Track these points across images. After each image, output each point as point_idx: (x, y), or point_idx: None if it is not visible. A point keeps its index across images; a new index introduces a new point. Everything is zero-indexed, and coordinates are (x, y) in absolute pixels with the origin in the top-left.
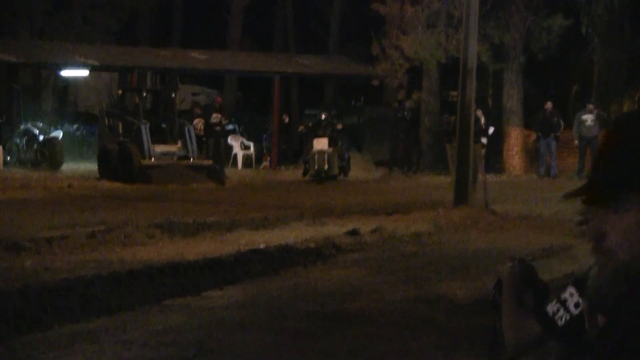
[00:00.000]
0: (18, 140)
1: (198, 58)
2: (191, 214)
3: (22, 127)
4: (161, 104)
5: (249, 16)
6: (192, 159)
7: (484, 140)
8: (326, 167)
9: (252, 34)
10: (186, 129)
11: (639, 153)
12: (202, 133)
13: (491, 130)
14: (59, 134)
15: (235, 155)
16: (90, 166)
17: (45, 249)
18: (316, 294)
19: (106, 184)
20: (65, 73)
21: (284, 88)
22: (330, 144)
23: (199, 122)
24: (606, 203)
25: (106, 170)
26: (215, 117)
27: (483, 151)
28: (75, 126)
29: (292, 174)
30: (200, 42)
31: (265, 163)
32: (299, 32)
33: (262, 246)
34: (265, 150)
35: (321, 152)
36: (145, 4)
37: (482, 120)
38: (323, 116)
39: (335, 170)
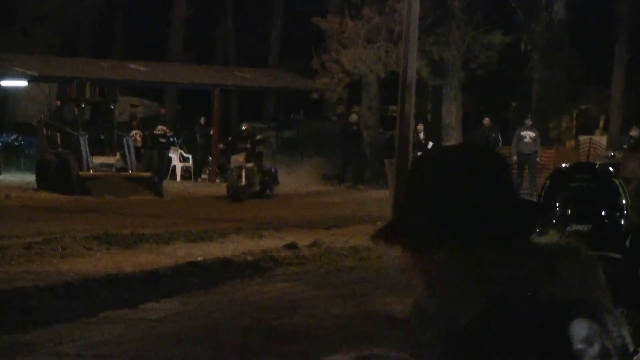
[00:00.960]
0: None
1: (138, 70)
2: (129, 226)
3: None
4: (100, 115)
5: (190, 30)
6: (130, 171)
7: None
8: (242, 183)
9: (193, 47)
10: (125, 141)
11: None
12: (140, 145)
13: (430, 145)
14: None
15: (174, 168)
16: (28, 177)
17: None
18: (254, 308)
19: (44, 195)
20: (4, 83)
21: (224, 101)
22: (249, 159)
23: (137, 134)
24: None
25: (44, 181)
26: (159, 129)
27: None
28: (13, 137)
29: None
30: (141, 55)
31: (204, 176)
32: (239, 46)
33: (200, 259)
34: (205, 163)
35: (238, 169)
36: (86, 17)
37: (422, 135)
38: (243, 127)
39: (256, 187)
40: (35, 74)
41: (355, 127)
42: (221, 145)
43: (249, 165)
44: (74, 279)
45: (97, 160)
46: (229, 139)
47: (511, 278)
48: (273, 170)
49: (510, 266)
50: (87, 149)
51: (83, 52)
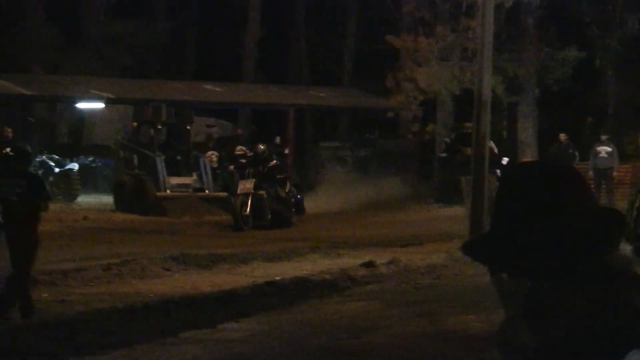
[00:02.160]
0: (33, 172)
1: (213, 90)
2: (206, 246)
3: (37, 159)
4: (176, 136)
5: (263, 50)
6: (207, 191)
7: (498, 171)
8: (246, 212)
9: (266, 68)
10: (201, 161)
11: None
12: (216, 165)
13: (505, 161)
14: (74, 166)
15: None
16: (105, 199)
17: (61, 282)
18: (331, 328)
19: (121, 217)
20: (81, 106)
21: (299, 121)
22: (261, 186)
23: (213, 155)
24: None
25: (121, 202)
26: (239, 150)
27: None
28: (90, 159)
29: (306, 205)
30: (213, 76)
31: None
32: (312, 66)
33: (277, 278)
34: None
35: (244, 196)
36: (158, 38)
37: (496, 150)
38: (260, 148)
39: (266, 217)
40: (111, 96)
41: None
42: (231, 167)
43: (260, 192)
44: (152, 299)
45: (174, 180)
46: (242, 159)
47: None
48: (298, 197)
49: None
50: (164, 170)
51: (155, 74)
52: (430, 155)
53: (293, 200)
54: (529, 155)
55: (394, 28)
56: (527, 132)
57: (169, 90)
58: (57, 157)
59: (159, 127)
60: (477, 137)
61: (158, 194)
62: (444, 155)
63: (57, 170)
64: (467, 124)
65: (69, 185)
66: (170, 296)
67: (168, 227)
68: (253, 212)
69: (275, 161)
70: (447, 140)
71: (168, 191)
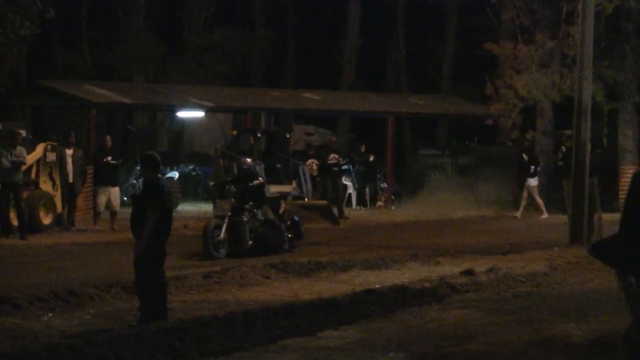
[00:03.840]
0: (134, 181)
1: (312, 98)
2: (306, 254)
3: (138, 168)
4: (275, 144)
5: (362, 58)
6: (306, 199)
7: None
8: (220, 237)
9: (365, 75)
10: (300, 169)
11: None
12: (316, 173)
13: (532, 169)
14: (174, 174)
15: (350, 195)
16: (205, 207)
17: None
18: (431, 336)
19: None
20: (181, 114)
21: (397, 128)
22: (242, 207)
23: (313, 163)
24: None
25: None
26: (332, 158)
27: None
28: (190, 167)
29: (405, 213)
30: (312, 84)
31: (380, 203)
32: (411, 73)
33: (377, 286)
34: (379, 190)
35: (219, 218)
36: (258, 47)
37: (526, 158)
38: (246, 163)
39: (244, 243)
40: (211, 104)
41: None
42: (211, 184)
43: (240, 215)
44: (252, 307)
45: (273, 189)
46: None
47: None
48: (295, 219)
49: None
50: (264, 178)
51: (255, 82)
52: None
53: (289, 223)
54: (629, 162)
55: (493, 35)
56: (627, 139)
57: (268, 99)
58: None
59: (259, 135)
60: (578, 144)
61: None
62: (561, 163)
63: None
64: (567, 131)
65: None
66: (270, 304)
67: None
68: (230, 237)
69: (260, 179)
70: (564, 148)
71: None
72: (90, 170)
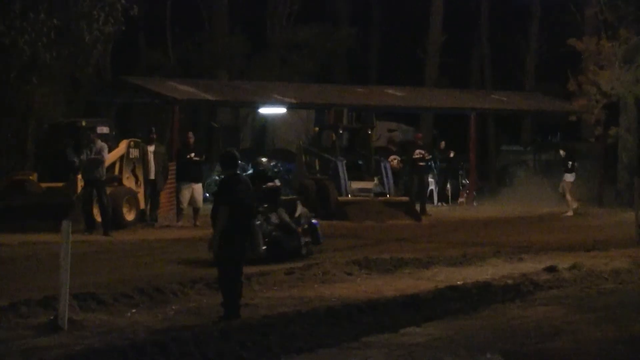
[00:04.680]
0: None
1: (394, 95)
2: (388, 251)
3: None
4: (358, 141)
5: (445, 54)
6: (388, 196)
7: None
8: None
9: (448, 72)
10: (382, 166)
11: None
12: (398, 169)
13: (569, 164)
14: None
15: (432, 192)
16: None
17: (245, 286)
18: (515, 333)
19: None
20: (264, 111)
21: (480, 125)
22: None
23: (395, 159)
24: None
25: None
26: (418, 153)
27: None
28: (272, 163)
29: (488, 210)
30: (396, 81)
31: (462, 199)
32: (494, 69)
33: (459, 283)
34: (461, 187)
35: None
36: (341, 44)
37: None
38: (261, 163)
39: (258, 250)
40: (294, 101)
41: None
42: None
43: (253, 221)
44: (336, 304)
45: (356, 185)
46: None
47: None
48: (314, 223)
49: None
50: (346, 174)
51: (339, 79)
52: (613, 159)
53: (306, 226)
54: None
55: (576, 31)
56: None
57: (351, 95)
58: (240, 162)
59: (341, 131)
60: None
61: (340, 198)
62: None
63: None
64: None
65: None
66: (353, 300)
67: (350, 232)
68: None
69: (277, 181)
70: None
71: (350, 196)
72: (172, 166)
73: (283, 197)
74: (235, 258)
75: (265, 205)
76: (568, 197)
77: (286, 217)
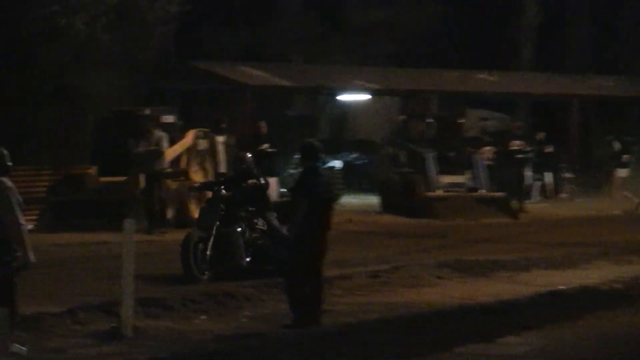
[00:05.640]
0: (293, 171)
1: (486, 80)
2: (482, 252)
3: (296, 157)
4: (447, 131)
5: (542, 36)
6: (482, 191)
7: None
8: (208, 253)
9: (545, 54)
10: (475, 158)
11: None
12: (492, 162)
13: (624, 158)
14: (337, 163)
15: (530, 187)
16: (371, 199)
17: (326, 290)
18: (625, 342)
19: (388, 219)
20: (343, 98)
21: (583, 113)
22: (234, 215)
23: (488, 150)
24: None
25: (388, 203)
26: (516, 145)
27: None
28: (354, 155)
29: (591, 207)
30: (487, 64)
31: (562, 195)
32: (596, 52)
33: (562, 288)
34: (562, 181)
35: (204, 230)
36: (427, 24)
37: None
38: (245, 159)
39: (239, 261)
40: (377, 86)
41: None
42: (194, 184)
43: (233, 227)
44: (425, 310)
45: (445, 179)
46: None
47: None
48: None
49: None
50: (434, 168)
51: (425, 63)
52: None
53: None
54: None
55: None
56: None
57: (439, 81)
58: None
59: (429, 120)
60: None
61: (428, 194)
62: None
63: None
64: None
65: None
66: (444, 307)
67: (440, 231)
68: (218, 254)
69: (261, 181)
70: None
71: (439, 191)
72: None
73: (279, 200)
74: (318, 257)
75: (251, 209)
76: (613, 191)
77: (275, 223)
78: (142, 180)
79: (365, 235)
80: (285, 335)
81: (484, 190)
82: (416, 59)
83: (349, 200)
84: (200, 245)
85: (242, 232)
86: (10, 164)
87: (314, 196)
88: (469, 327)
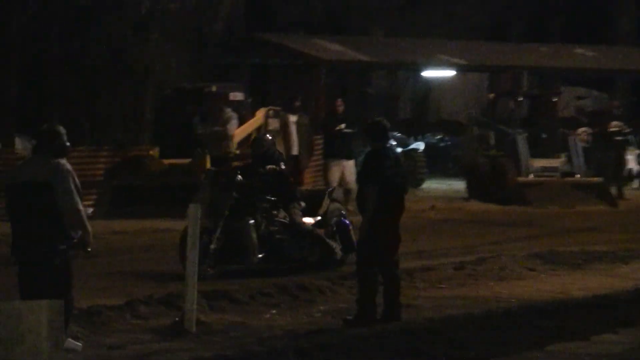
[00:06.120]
0: None
1: (584, 55)
2: (577, 242)
3: None
4: (540, 110)
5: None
6: (578, 176)
7: None
8: (212, 247)
9: None
10: (570, 140)
11: None
12: (589, 145)
13: None
14: (419, 145)
15: (630, 171)
16: (456, 184)
17: (406, 283)
18: None
19: (475, 206)
20: (427, 74)
21: None
22: (245, 205)
23: (585, 132)
24: None
25: (475, 189)
26: (615, 126)
27: None
28: (437, 137)
29: None
30: (585, 38)
31: None
32: None
33: None
34: None
35: (212, 220)
36: None
37: None
38: (265, 141)
39: (251, 258)
40: (463, 62)
41: None
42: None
43: (244, 219)
44: (514, 305)
45: (538, 163)
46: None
47: None
48: (344, 223)
49: None
50: (526, 150)
51: (516, 37)
52: None
53: (334, 228)
54: None
55: None
56: None
57: (531, 56)
58: (399, 134)
59: (520, 99)
60: None
61: (519, 179)
62: None
63: (399, 150)
64: None
65: (413, 168)
66: (535, 301)
67: (531, 219)
68: (225, 249)
69: (282, 165)
70: None
71: (531, 176)
72: (318, 140)
73: (309, 189)
74: (392, 247)
75: (273, 198)
76: None
77: (298, 216)
78: (207, 162)
79: (450, 224)
80: (362, 331)
81: (580, 175)
82: (506, 32)
83: (432, 185)
84: (204, 237)
85: (257, 225)
86: (68, 144)
87: (383, 181)
88: (562, 324)
